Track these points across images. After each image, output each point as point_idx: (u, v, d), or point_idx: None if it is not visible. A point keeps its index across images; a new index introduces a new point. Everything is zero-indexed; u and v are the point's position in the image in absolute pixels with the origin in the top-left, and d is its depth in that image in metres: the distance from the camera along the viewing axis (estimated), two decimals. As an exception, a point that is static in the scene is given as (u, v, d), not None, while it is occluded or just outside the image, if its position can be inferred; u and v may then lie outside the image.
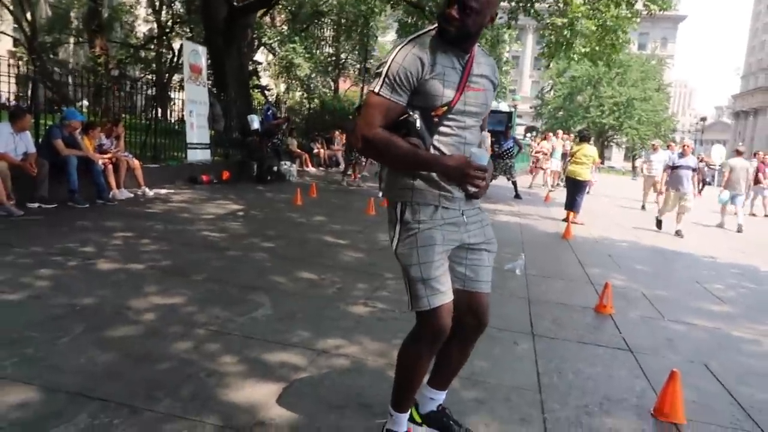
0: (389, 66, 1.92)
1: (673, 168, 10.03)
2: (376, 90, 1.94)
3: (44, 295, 3.73)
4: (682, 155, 10.13)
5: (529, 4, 14.59)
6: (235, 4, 14.50)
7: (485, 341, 2.60)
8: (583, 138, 10.86)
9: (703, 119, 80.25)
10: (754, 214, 15.13)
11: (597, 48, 14.20)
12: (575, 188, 9.90)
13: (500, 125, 20.95)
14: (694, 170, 9.99)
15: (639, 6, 13.48)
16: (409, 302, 2.09)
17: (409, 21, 21.85)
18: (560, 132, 21.61)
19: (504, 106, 26.64)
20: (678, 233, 9.57)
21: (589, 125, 48.32)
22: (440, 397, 2.36)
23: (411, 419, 2.36)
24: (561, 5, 13.50)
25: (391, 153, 1.95)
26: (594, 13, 12.97)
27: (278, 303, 3.99)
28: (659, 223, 10.23)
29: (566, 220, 9.50)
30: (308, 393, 2.70)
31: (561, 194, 15.26)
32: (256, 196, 9.82)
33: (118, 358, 2.88)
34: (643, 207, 14.22)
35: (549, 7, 14.25)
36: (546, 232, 8.81)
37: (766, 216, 15.17)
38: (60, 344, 2.99)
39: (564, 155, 19.61)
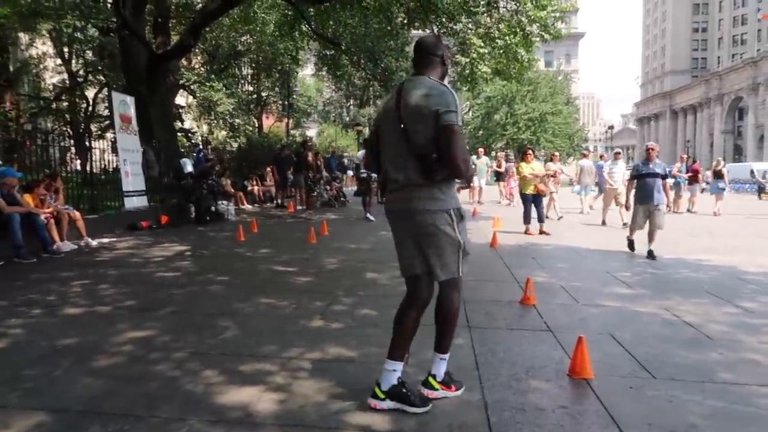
0: (457, 104, 2.70)
1: (638, 177, 8.53)
2: (460, 123, 2.71)
3: (23, 341, 4.02)
4: (647, 161, 8.55)
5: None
6: (155, 51, 14.78)
7: (430, 334, 3.17)
8: (524, 154, 11.45)
9: (611, 127, 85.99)
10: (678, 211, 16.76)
11: (504, 67, 15.57)
12: (523, 202, 11.03)
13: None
14: (663, 177, 8.46)
15: (534, 30, 14.81)
16: (440, 272, 2.93)
17: (327, 54, 22.79)
18: (481, 150, 22.85)
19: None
20: (650, 255, 8.11)
21: (508, 142, 50.86)
22: (400, 367, 2.92)
23: (374, 396, 2.91)
24: (463, 45, 14.77)
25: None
26: (491, 42, 14.28)
27: (243, 325, 4.44)
28: (631, 244, 8.77)
29: (527, 233, 10.45)
30: (284, 390, 3.18)
31: (488, 209, 16.28)
32: (199, 237, 10.10)
33: (112, 382, 3.26)
34: (603, 222, 12.97)
35: (453, 46, 15.45)
36: (476, 243, 9.55)
37: (689, 211, 16.79)
38: (55, 377, 3.33)
39: (499, 173, 20.91)
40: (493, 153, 52.20)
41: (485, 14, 15.33)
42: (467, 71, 15.07)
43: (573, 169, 22.95)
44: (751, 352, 4.01)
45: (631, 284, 6.40)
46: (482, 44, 14.64)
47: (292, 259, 7.57)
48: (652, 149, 8.66)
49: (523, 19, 14.67)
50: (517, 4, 14.70)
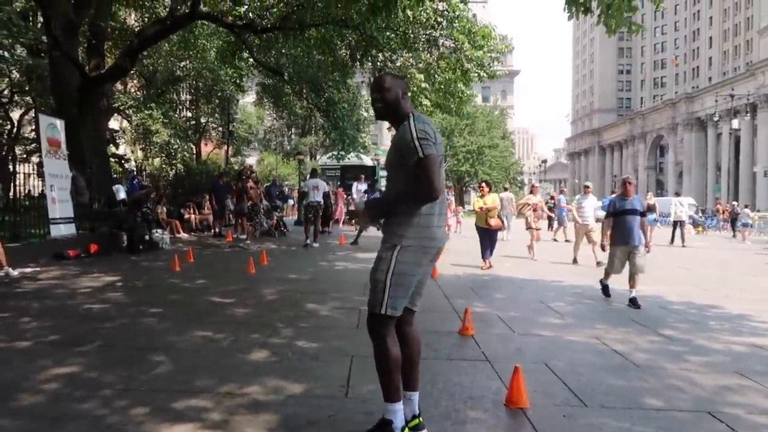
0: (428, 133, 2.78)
1: (615, 215, 7.55)
2: (429, 152, 2.73)
3: (-67, 380, 3.72)
4: (624, 196, 7.55)
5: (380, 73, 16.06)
6: (88, 73, 14.33)
7: (370, 369, 3.16)
8: (489, 187, 11.10)
9: (544, 161, 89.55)
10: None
11: (444, 101, 16.08)
12: (480, 236, 10.80)
13: (366, 179, 22.20)
14: (642, 214, 7.55)
15: (472, 68, 15.36)
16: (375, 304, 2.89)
17: (269, 83, 22.79)
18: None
19: (368, 161, 28.20)
20: (634, 303, 7.13)
21: (447, 173, 51.99)
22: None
23: None
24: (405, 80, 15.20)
25: None
26: (432, 77, 14.74)
27: (177, 359, 4.28)
28: (606, 289, 7.80)
29: (483, 267, 10.29)
30: (220, 427, 3.08)
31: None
32: (131, 267, 9.72)
33: (32, 424, 3.07)
34: (575, 260, 12.02)
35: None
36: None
37: (567, 241, 17.49)
38: (-31, 419, 3.10)
39: None
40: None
41: (425, 51, 15.82)
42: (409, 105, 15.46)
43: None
44: (674, 379, 4.21)
45: (563, 314, 6.61)
46: (423, 79, 15.06)
47: (230, 290, 7.40)
48: (630, 183, 7.64)
49: (461, 57, 15.22)
50: (456, 43, 15.25)
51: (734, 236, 24.75)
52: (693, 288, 9.06)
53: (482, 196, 10.88)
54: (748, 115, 55.09)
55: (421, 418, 2.98)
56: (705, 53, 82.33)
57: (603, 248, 7.85)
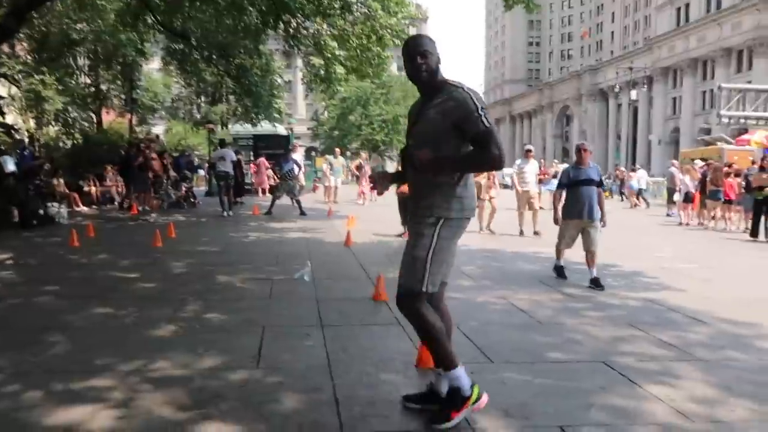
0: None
1: (569, 186, 6.64)
2: (492, 122, 2.68)
3: None
4: (579, 165, 6.66)
5: (293, 40, 15.52)
6: (-32, 34, 12.97)
7: (282, 338, 3.12)
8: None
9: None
10: None
11: (360, 66, 15.85)
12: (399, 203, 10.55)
13: (279, 148, 21.76)
14: (599, 184, 6.70)
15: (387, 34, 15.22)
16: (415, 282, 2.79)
17: (176, 48, 21.64)
18: (338, 150, 23.02)
19: (281, 130, 27.58)
20: (597, 283, 6.29)
21: (363, 142, 52.03)
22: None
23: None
24: (318, 47, 14.80)
25: None
26: (346, 43, 14.47)
27: (75, 338, 4.05)
28: (561, 271, 6.92)
29: (400, 235, 10.17)
30: (124, 406, 2.95)
31: (343, 207, 16.50)
32: (23, 243, 9.04)
33: None
34: (521, 233, 11.28)
35: (306, 48, 15.42)
36: (330, 242, 9.64)
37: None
38: None
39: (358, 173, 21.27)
40: (349, 153, 53.15)
41: (339, 17, 15.49)
42: (322, 72, 15.13)
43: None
44: (573, 333, 4.47)
45: (474, 277, 6.83)
46: (336, 46, 14.77)
47: (134, 265, 7.06)
48: (585, 150, 6.74)
49: (375, 24, 15.04)
50: (370, 10, 15.04)
51: (621, 200, 26.08)
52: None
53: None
54: (645, 86, 58.56)
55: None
56: (608, 27, 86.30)
57: (556, 222, 6.91)
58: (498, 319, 4.88)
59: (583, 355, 3.97)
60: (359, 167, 21.44)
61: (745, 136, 24.89)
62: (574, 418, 2.91)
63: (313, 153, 39.07)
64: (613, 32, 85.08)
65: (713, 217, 14.48)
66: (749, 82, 40.91)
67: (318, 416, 2.88)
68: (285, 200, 15.19)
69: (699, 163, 17.35)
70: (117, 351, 3.76)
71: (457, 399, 2.80)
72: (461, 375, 2.83)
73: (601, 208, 6.61)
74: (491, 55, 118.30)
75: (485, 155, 2.64)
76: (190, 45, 18.33)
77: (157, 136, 27.32)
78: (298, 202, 14.56)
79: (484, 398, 2.85)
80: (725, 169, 14.68)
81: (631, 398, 3.19)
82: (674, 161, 21.87)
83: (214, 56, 19.02)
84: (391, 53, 16.94)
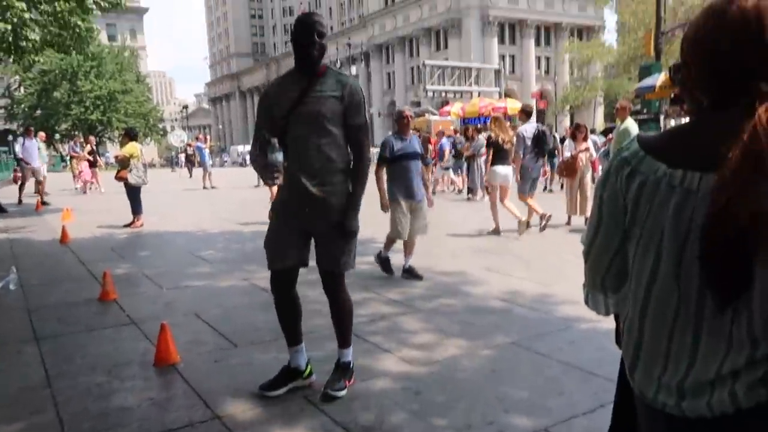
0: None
1: (391, 160, 5.48)
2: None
3: None
4: (400, 134, 5.57)
5: None
6: None
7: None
8: (128, 136, 9.94)
9: (185, 107, 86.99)
10: None
11: (57, 38, 13.79)
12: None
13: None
14: (422, 159, 5.84)
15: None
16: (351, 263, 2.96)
17: None
18: (42, 134, 19.87)
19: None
20: (412, 273, 5.57)
21: (74, 123, 46.03)
22: None
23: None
24: (2, 7, 12.41)
25: None
26: (38, 6, 12.49)
27: None
28: (386, 264, 5.70)
29: (128, 225, 9.30)
30: None
31: (56, 199, 14.45)
32: None
33: None
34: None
35: None
36: (42, 240, 8.40)
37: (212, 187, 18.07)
38: None
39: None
40: (57, 136, 46.53)
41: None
42: (10, 39, 12.73)
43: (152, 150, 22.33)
44: (313, 304, 4.67)
45: (213, 261, 6.66)
46: (25, 8, 12.59)
47: None
48: (408, 116, 5.61)
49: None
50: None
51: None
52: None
53: (128, 143, 9.78)
54: (363, 62, 63.21)
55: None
56: (326, 3, 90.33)
57: (384, 208, 5.59)
58: (241, 302, 4.85)
59: (325, 322, 4.18)
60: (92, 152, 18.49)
61: (446, 108, 28.68)
62: (320, 385, 3.04)
63: (10, 137, 32.90)
64: (330, 8, 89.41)
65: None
66: (446, 59, 47.16)
67: (39, 445, 2.53)
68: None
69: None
70: None
71: (349, 371, 3.05)
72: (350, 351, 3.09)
73: (426, 186, 5.85)
74: (214, 26, 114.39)
75: (362, 166, 2.89)
76: None
77: None
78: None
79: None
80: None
81: (368, 355, 3.49)
82: (390, 132, 24.17)
83: None
84: (96, 26, 15.15)
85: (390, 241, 5.71)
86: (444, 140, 15.57)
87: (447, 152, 15.12)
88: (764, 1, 0.94)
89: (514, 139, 8.06)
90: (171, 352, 3.43)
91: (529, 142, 8.01)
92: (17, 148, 14.73)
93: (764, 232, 0.84)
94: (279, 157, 2.67)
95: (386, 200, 5.54)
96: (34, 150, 13.79)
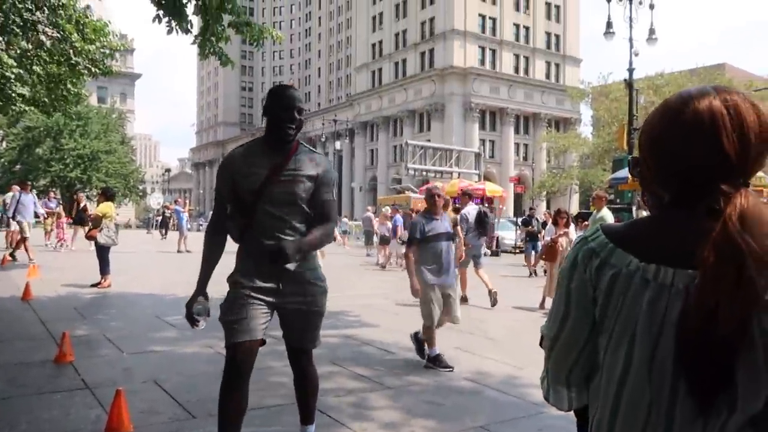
0: None
1: (420, 240, 5.12)
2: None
3: None
4: (430, 214, 5.26)
5: None
6: None
7: None
8: (104, 195, 9.99)
9: (168, 170, 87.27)
10: None
11: (46, 99, 13.94)
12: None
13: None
14: (452, 239, 5.45)
15: (82, 62, 13.82)
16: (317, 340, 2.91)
17: None
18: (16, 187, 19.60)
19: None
20: (437, 360, 5.08)
21: (54, 180, 45.72)
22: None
23: None
24: None
25: None
26: (29, 68, 12.69)
27: None
28: (439, 359, 5.09)
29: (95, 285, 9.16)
30: None
31: (24, 255, 14.07)
32: None
33: None
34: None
35: None
36: (2, 296, 8.12)
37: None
38: None
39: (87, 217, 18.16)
40: (35, 191, 46.04)
41: (21, 37, 13.49)
42: None
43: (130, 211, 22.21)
44: (278, 376, 4.53)
45: (179, 326, 6.46)
46: (16, 64, 12.76)
47: None
48: (439, 196, 5.31)
49: (68, 49, 13.50)
50: (63, 33, 13.46)
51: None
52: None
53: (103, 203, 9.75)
54: (348, 138, 64.64)
55: None
56: (315, 81, 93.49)
57: (415, 294, 5.17)
58: (203, 370, 4.67)
59: (288, 398, 4.04)
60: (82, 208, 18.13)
61: (426, 186, 29.17)
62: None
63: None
64: (320, 86, 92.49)
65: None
66: (428, 140, 48.51)
67: None
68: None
69: (388, 209, 19.58)
70: None
71: None
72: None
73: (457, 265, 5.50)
74: (204, 94, 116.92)
75: (330, 227, 2.76)
76: None
77: None
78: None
79: None
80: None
81: (329, 433, 3.36)
82: (369, 207, 24.53)
83: None
84: (86, 90, 15.39)
85: (428, 332, 5.13)
86: (397, 216, 16.36)
87: (400, 228, 15.65)
88: (717, 102, 0.94)
89: (458, 219, 8.54)
90: (123, 422, 3.26)
91: (472, 222, 8.74)
92: (7, 200, 14.44)
93: (747, 335, 0.83)
94: (203, 311, 3.01)
95: (416, 285, 5.11)
96: (30, 205, 13.56)
